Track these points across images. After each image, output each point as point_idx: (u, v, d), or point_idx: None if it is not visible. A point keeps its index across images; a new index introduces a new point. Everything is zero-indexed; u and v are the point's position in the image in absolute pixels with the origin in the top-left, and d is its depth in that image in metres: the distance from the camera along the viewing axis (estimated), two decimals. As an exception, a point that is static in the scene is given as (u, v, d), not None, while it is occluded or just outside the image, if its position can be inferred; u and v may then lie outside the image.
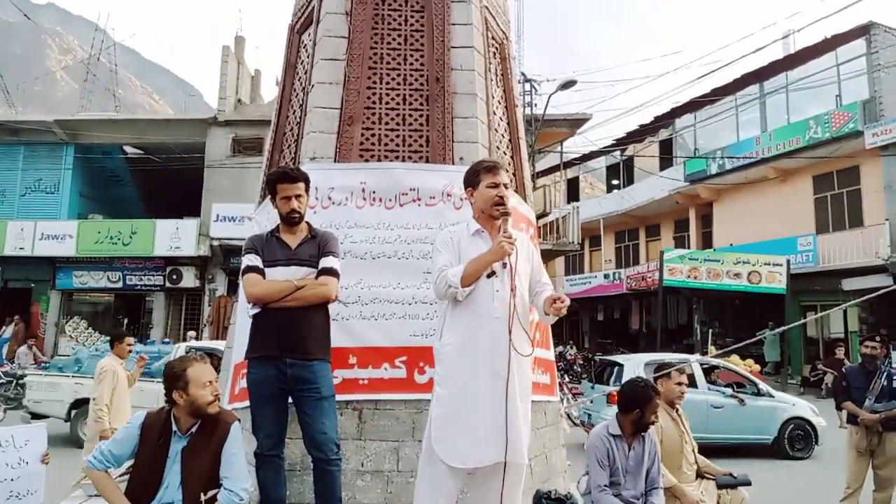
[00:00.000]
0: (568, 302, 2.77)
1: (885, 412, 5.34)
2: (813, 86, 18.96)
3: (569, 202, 25.25)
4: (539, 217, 18.56)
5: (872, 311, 17.22)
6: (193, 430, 2.83)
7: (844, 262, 17.35)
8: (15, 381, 13.11)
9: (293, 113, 4.61)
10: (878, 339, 5.87)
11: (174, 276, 18.07)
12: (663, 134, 25.33)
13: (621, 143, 26.48)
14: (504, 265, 2.79)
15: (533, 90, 20.43)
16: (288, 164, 4.36)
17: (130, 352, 5.95)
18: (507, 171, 3.34)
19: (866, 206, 17.76)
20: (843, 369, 6.16)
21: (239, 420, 2.98)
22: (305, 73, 4.52)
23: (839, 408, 6.06)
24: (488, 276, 2.76)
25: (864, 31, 17.87)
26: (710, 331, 19.67)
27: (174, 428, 2.83)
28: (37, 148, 19.29)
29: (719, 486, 4.20)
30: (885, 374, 5.50)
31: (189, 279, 18.03)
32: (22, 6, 26.93)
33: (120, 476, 3.03)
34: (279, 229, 3.34)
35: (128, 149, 20.44)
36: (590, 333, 28.56)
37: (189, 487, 2.75)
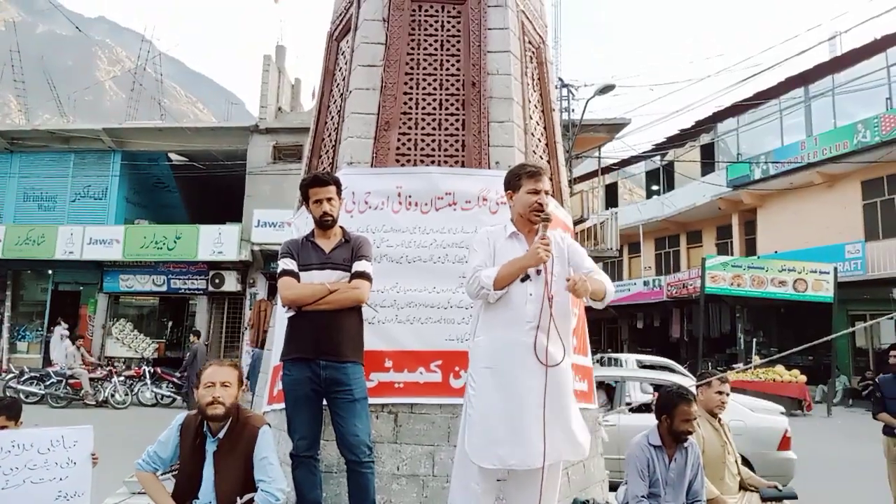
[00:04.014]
0: (581, 280, 2.66)
1: None
2: (861, 88, 18.38)
3: (607, 208, 24.95)
4: (577, 223, 18.38)
5: (926, 320, 16.59)
6: (222, 433, 2.87)
7: (895, 270, 16.74)
8: (64, 381, 13.55)
9: (331, 119, 4.66)
10: None
11: (217, 280, 18.43)
12: (705, 138, 24.85)
13: (661, 147, 26.07)
14: (538, 271, 2.76)
15: (570, 95, 20.28)
16: (326, 169, 4.41)
17: None
18: (548, 177, 3.31)
19: (919, 212, 17.13)
20: (877, 380, 6.00)
21: (269, 424, 3.01)
22: (343, 79, 4.57)
23: (875, 418, 5.88)
24: (522, 279, 2.74)
25: (916, 31, 17.27)
26: (755, 340, 19.17)
27: (206, 430, 2.88)
28: (86, 155, 19.92)
29: (763, 499, 4.07)
30: None
31: (231, 283, 18.36)
32: (74, 19, 27.93)
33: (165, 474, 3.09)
34: (314, 234, 3.39)
35: (172, 156, 20.95)
36: (629, 342, 28.12)
37: (221, 490, 2.79)
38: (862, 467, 9.00)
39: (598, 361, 10.92)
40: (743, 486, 4.11)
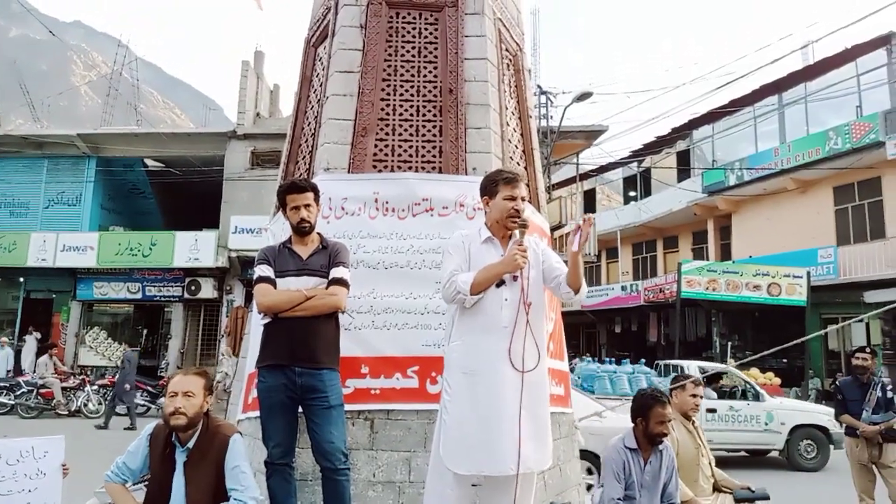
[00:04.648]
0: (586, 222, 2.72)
1: (884, 423, 5.40)
2: (833, 96, 18.77)
3: (585, 214, 25.13)
4: (555, 229, 18.48)
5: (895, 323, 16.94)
6: (191, 442, 2.84)
7: (866, 274, 17.07)
8: (36, 390, 13.28)
9: (308, 125, 4.65)
10: (868, 350, 5.83)
11: (193, 288, 18.24)
12: (681, 145, 25.19)
13: (638, 154, 26.36)
14: (515, 277, 2.78)
15: (549, 102, 20.43)
16: (302, 174, 4.40)
17: None
18: (525, 184, 3.34)
19: (889, 217, 17.49)
20: (838, 382, 6.15)
21: (240, 432, 2.99)
22: (321, 85, 4.57)
23: (838, 420, 6.02)
24: (497, 285, 2.76)
25: (884, 41, 17.68)
26: (730, 343, 19.41)
27: (175, 440, 2.85)
28: (60, 161, 19.63)
29: (737, 501, 4.12)
30: (879, 385, 5.54)
31: (207, 290, 18.19)
32: (48, 24, 27.56)
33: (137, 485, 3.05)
34: (291, 240, 3.38)
35: (149, 162, 20.74)
36: (607, 346, 28.29)
37: (193, 500, 2.76)
38: (832, 467, 9.19)
39: (655, 369, 11.01)
40: (717, 488, 4.16)
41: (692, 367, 9.99)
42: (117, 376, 13.21)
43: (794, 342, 6.90)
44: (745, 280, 17.20)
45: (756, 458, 10.09)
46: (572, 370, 10.67)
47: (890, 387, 5.72)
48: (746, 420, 9.41)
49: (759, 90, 20.97)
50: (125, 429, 11.55)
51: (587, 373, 9.58)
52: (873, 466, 5.47)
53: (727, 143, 22.87)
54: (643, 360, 12.35)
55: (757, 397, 9.62)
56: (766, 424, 9.34)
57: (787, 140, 20.03)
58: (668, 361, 12.84)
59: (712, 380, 10.15)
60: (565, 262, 2.93)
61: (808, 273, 16.96)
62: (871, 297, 16.57)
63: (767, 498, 4.22)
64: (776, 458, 9.71)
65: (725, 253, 22.85)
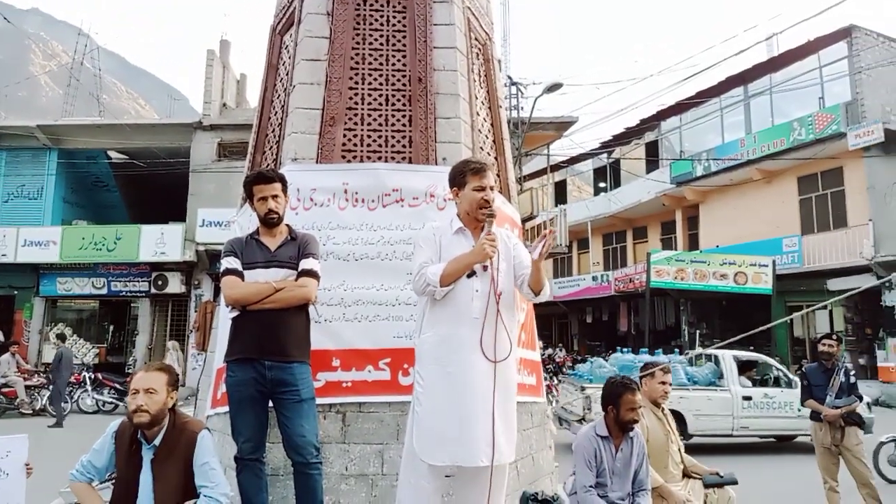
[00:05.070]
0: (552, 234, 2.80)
1: (846, 407, 5.54)
2: (796, 88, 19.14)
3: (556, 205, 25.29)
4: (526, 220, 18.58)
5: (857, 310, 17.38)
6: (158, 439, 2.78)
7: (829, 262, 17.50)
8: (-3, 390, 12.93)
9: (275, 114, 4.57)
10: (834, 337, 5.98)
11: (159, 282, 17.91)
12: (649, 136, 25.47)
13: (607, 145, 26.58)
14: (485, 267, 2.77)
15: (519, 93, 20.46)
16: (269, 165, 4.33)
17: None
18: (494, 172, 3.32)
19: (850, 206, 17.92)
20: (803, 369, 6.29)
21: (208, 429, 2.94)
22: (287, 73, 4.49)
23: (803, 405, 6.16)
24: (468, 276, 2.75)
25: (845, 33, 18.06)
26: (698, 332, 19.75)
27: (141, 437, 2.79)
28: (19, 153, 19.07)
29: (706, 486, 4.19)
30: (843, 370, 5.69)
31: (175, 285, 17.86)
32: (4, 11, 26.69)
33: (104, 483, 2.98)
34: (259, 232, 3.31)
35: (112, 154, 20.24)
36: (578, 336, 28.59)
37: (161, 498, 2.70)
38: (799, 452, 9.40)
39: (689, 360, 11.19)
40: (686, 474, 4.21)
41: (727, 356, 10.22)
42: (52, 375, 12.87)
43: (760, 329, 7.06)
44: (713, 269, 17.49)
45: (783, 444, 10.41)
46: (606, 360, 10.97)
47: (853, 372, 5.86)
48: (780, 406, 9.66)
49: (726, 81, 21.28)
50: (49, 427, 11.32)
51: (623, 363, 9.75)
52: (837, 449, 5.60)
53: (695, 135, 23.19)
54: (622, 349, 12.48)
55: (789, 384, 9.84)
56: (799, 410, 9.60)
57: (753, 131, 20.37)
58: (702, 351, 13.02)
59: (745, 368, 10.40)
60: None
61: (774, 262, 17.32)
62: (834, 284, 16.99)
63: (736, 482, 4.30)
64: (805, 443, 9.87)
65: (693, 243, 23.21)
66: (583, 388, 9.63)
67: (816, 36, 18.59)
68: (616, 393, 3.57)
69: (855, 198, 17.76)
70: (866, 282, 15.07)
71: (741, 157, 20.09)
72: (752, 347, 18.21)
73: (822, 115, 17.96)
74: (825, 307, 16.13)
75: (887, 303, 16.37)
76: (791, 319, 18.33)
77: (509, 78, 20.33)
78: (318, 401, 3.32)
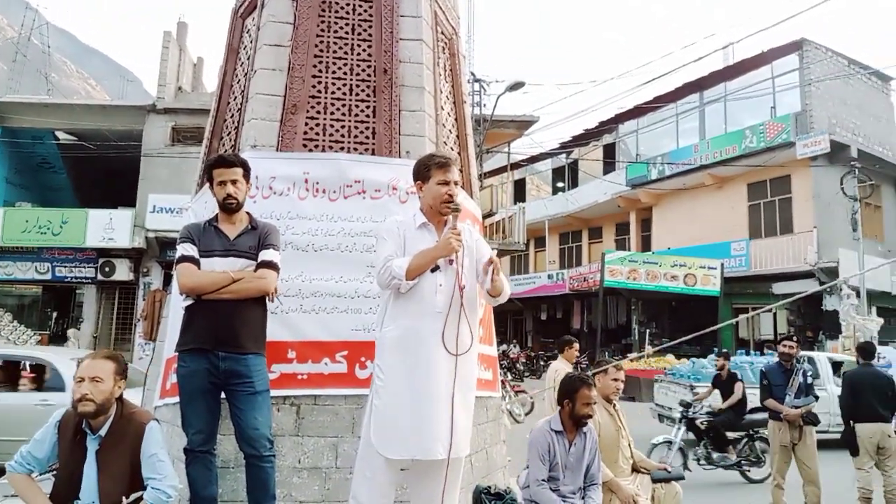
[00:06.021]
0: (499, 265, 2.81)
1: (805, 407, 5.73)
2: (750, 96, 19.71)
3: (515, 203, 25.47)
4: (486, 217, 18.65)
5: (800, 314, 18.04)
6: (104, 429, 2.70)
7: (775, 266, 18.12)
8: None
9: (234, 99, 4.47)
10: (794, 339, 6.18)
11: (107, 269, 17.35)
12: (607, 139, 25.88)
13: (566, 146, 26.89)
14: (451, 262, 2.76)
15: (482, 90, 20.50)
16: (227, 151, 4.22)
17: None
18: (458, 168, 3.32)
19: (796, 213, 18.58)
20: (763, 369, 6.49)
21: (156, 419, 2.87)
22: (248, 58, 4.39)
23: (762, 404, 6.35)
24: (432, 270, 2.74)
25: (796, 46, 18.69)
26: (648, 331, 20.20)
27: (86, 427, 2.70)
28: (-41, 131, 18.22)
29: (654, 481, 4.29)
30: (801, 371, 5.85)
31: (123, 272, 17.33)
32: (-54, -20, 25.38)
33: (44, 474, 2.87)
34: (217, 218, 3.22)
35: (60, 135, 19.48)
36: (533, 333, 28.91)
37: (105, 489, 2.62)
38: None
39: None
40: (635, 469, 4.31)
41: (822, 358, 10.60)
42: None
43: (708, 330, 7.26)
44: (664, 270, 17.92)
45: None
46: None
47: (811, 372, 6.04)
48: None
49: (682, 88, 21.79)
50: None
51: (734, 365, 10.13)
52: (792, 449, 5.76)
53: (651, 138, 23.67)
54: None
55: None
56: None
57: (707, 137, 20.90)
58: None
59: (836, 368, 10.61)
60: (494, 249, 2.95)
61: (722, 265, 17.84)
62: (779, 288, 17.60)
63: (682, 478, 4.42)
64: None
65: (646, 244, 23.71)
66: (692, 388, 10.14)
67: (770, 47, 19.18)
68: (573, 388, 3.63)
69: (801, 205, 18.41)
70: (809, 286, 15.66)
71: (694, 163, 20.60)
72: (699, 347, 18.74)
73: (773, 125, 18.55)
74: (770, 310, 16.70)
75: (827, 307, 17.04)
76: (737, 321, 18.92)
77: (473, 74, 20.36)
78: (273, 393, 3.27)
